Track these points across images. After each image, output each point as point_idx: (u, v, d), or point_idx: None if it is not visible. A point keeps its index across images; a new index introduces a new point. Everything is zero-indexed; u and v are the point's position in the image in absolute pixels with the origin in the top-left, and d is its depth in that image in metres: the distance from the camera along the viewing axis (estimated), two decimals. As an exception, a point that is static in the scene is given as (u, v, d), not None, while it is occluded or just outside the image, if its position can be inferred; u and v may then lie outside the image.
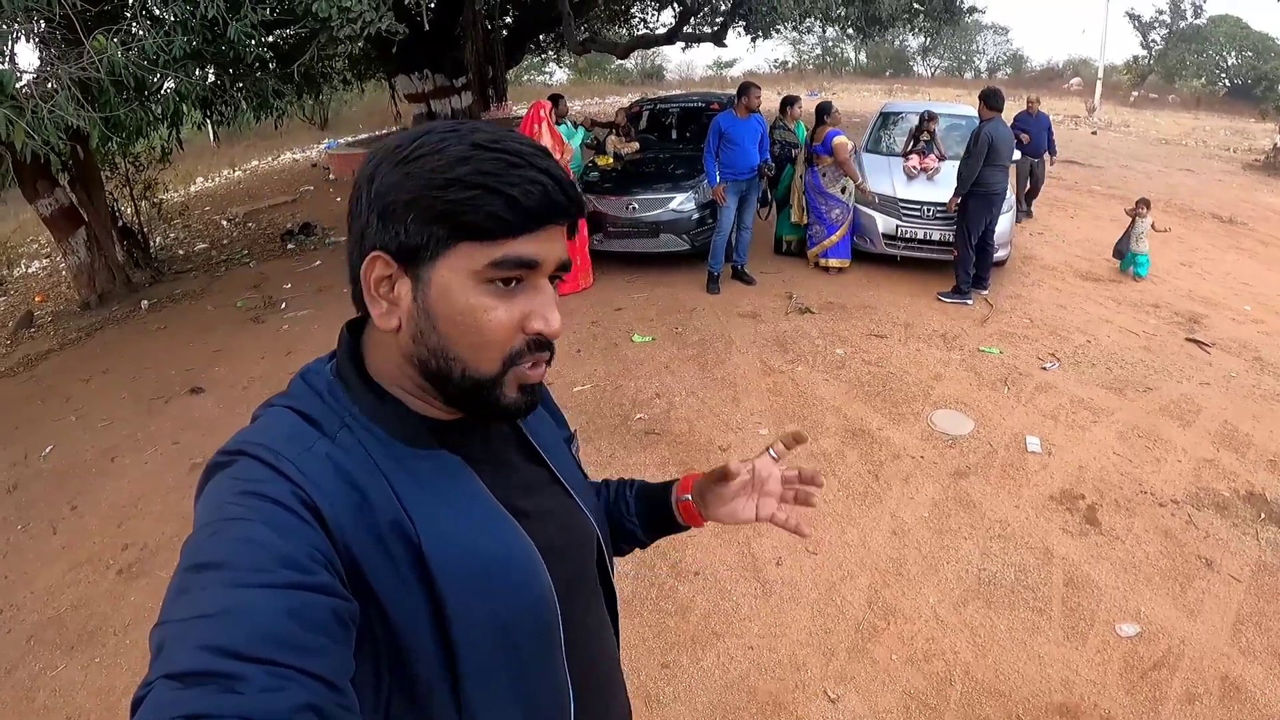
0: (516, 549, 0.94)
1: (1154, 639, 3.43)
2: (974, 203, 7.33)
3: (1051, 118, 11.31)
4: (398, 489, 0.87)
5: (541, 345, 0.92)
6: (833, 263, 8.25)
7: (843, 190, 8.01)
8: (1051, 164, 11.28)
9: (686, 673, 3.33)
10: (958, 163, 7.67)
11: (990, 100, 7.30)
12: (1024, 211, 10.58)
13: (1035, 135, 10.53)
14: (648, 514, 1.36)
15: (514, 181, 0.85)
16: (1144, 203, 8.06)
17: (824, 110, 7.95)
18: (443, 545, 0.86)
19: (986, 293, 7.65)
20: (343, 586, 0.77)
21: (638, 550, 1.41)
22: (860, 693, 3.19)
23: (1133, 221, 8.11)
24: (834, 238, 8.16)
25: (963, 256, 7.48)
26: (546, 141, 7.56)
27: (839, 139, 7.71)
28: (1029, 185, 10.87)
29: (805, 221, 8.46)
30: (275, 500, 0.78)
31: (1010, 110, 8.22)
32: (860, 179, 7.95)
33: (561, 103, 8.42)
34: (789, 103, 8.90)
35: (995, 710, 3.08)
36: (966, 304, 7.46)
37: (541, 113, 7.67)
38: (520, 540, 0.94)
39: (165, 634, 0.68)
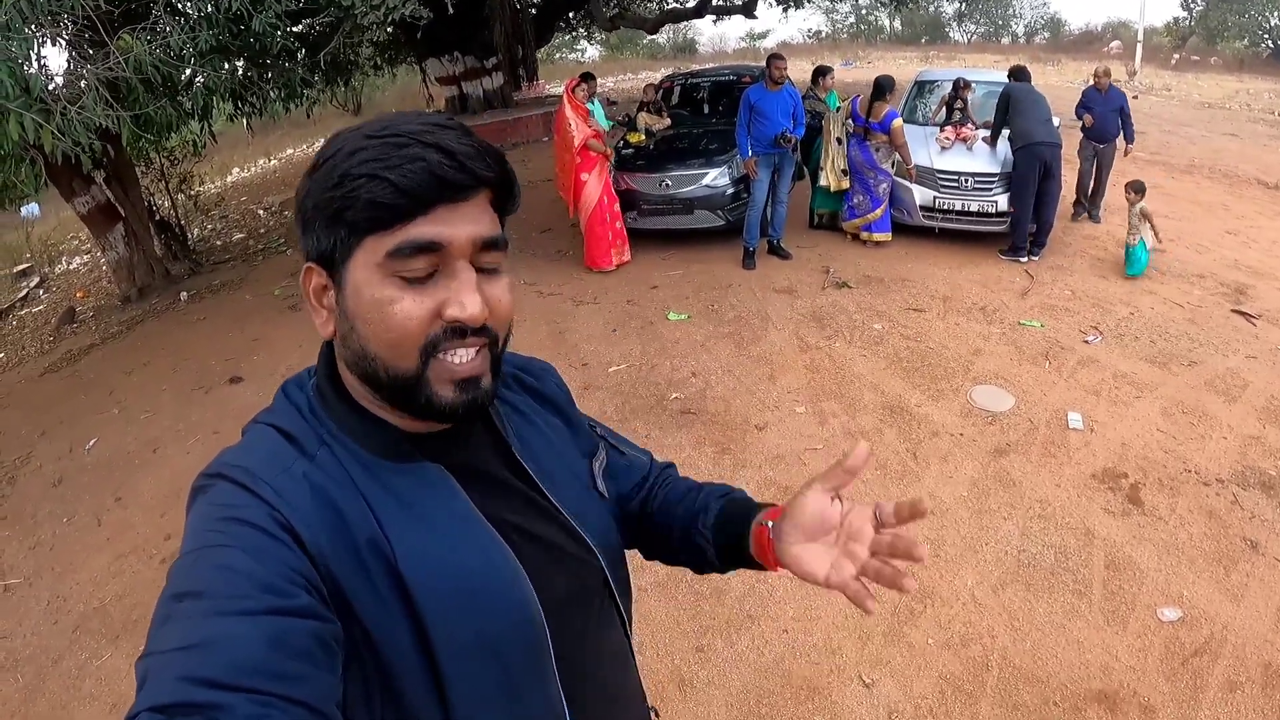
0: (498, 564, 0.91)
1: (1196, 624, 3.36)
2: (1017, 156, 7.49)
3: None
4: (375, 507, 0.86)
5: (462, 332, 0.86)
6: (877, 237, 8.15)
7: (891, 164, 7.98)
8: (1126, 153, 8.74)
9: (721, 656, 3.32)
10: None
11: (1014, 75, 8.07)
12: (1082, 208, 8.89)
13: (1100, 116, 8.43)
14: (723, 532, 1.15)
15: (395, 164, 0.81)
16: (1132, 187, 7.25)
17: (885, 87, 7.77)
18: (419, 563, 0.85)
19: (1038, 259, 7.60)
20: (325, 608, 0.77)
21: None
22: (896, 678, 3.16)
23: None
24: (879, 211, 8.07)
25: (1018, 213, 7.57)
26: (568, 117, 7.53)
27: (898, 121, 7.66)
28: (1092, 180, 8.77)
29: (846, 186, 8.28)
30: (253, 524, 0.78)
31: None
32: (911, 162, 7.88)
33: (592, 81, 8.36)
34: (821, 73, 8.77)
35: (1032, 696, 3.04)
36: (1021, 261, 7.54)
37: (568, 92, 7.65)
38: (502, 555, 0.92)
39: (148, 666, 0.68)
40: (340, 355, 0.91)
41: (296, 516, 0.80)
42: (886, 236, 8.18)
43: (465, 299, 0.84)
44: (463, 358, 0.87)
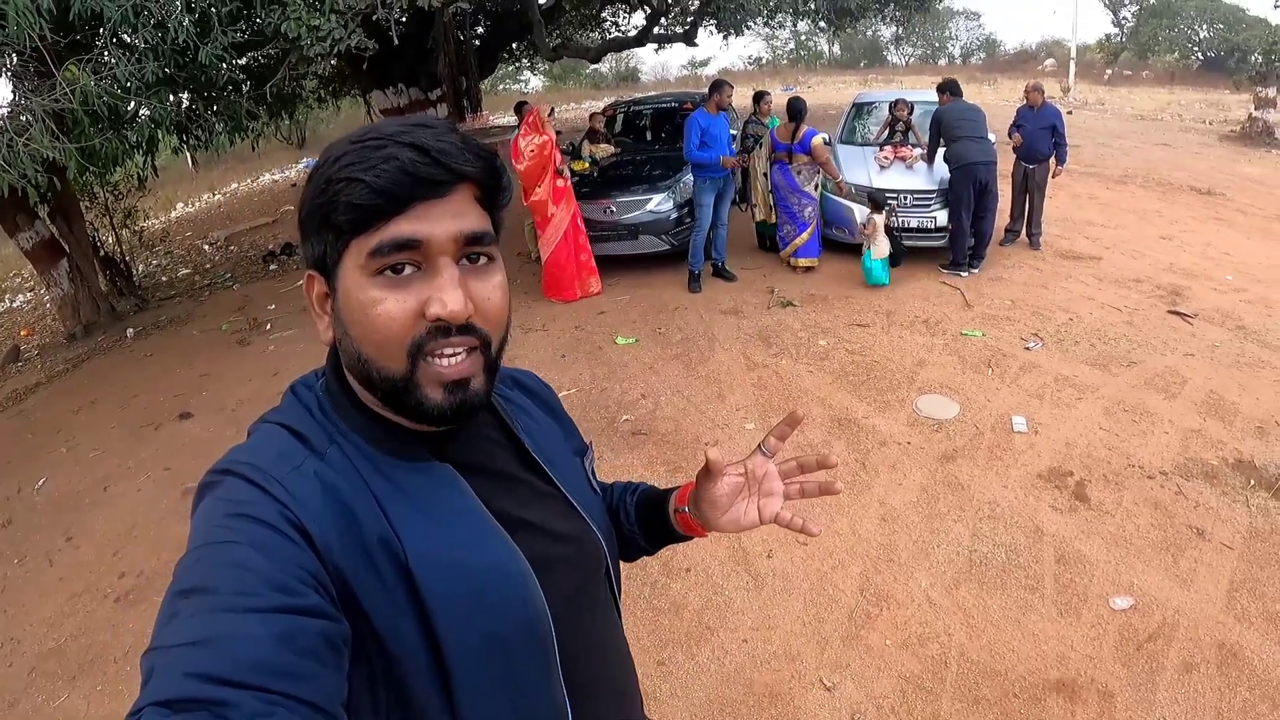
0: (507, 563, 0.92)
1: (1148, 611, 3.45)
2: (954, 176, 7.57)
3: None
4: (385, 506, 0.87)
5: (446, 330, 0.85)
6: (802, 262, 8.13)
7: (815, 187, 7.99)
8: (1056, 173, 8.40)
9: (682, 669, 3.34)
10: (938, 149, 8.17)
11: (945, 89, 8.03)
12: (1013, 232, 8.65)
13: (1030, 135, 8.19)
14: (647, 522, 1.29)
15: (371, 164, 0.82)
16: (872, 198, 7.61)
17: (800, 110, 7.81)
18: (429, 562, 0.86)
19: (978, 271, 7.75)
20: (333, 607, 0.77)
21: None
22: (856, 680, 3.21)
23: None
24: (805, 235, 8.06)
25: (955, 230, 7.67)
26: (532, 143, 7.55)
27: (818, 139, 7.68)
28: (1025, 202, 8.44)
29: (774, 220, 8.40)
30: (262, 521, 0.78)
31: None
32: (840, 176, 7.94)
33: (525, 108, 8.41)
34: (759, 98, 8.90)
35: (992, 690, 3.10)
36: (962, 276, 7.66)
37: (531, 118, 7.67)
38: (511, 554, 0.92)
39: (154, 661, 0.68)
40: (343, 360, 0.92)
41: (306, 514, 0.81)
42: (813, 261, 8.13)
43: (446, 295, 0.84)
44: (450, 360, 0.87)
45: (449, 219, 0.85)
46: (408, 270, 0.84)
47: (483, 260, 0.90)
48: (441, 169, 0.84)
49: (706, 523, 1.16)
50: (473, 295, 0.87)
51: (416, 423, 0.92)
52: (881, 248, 7.37)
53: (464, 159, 0.86)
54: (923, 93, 10.32)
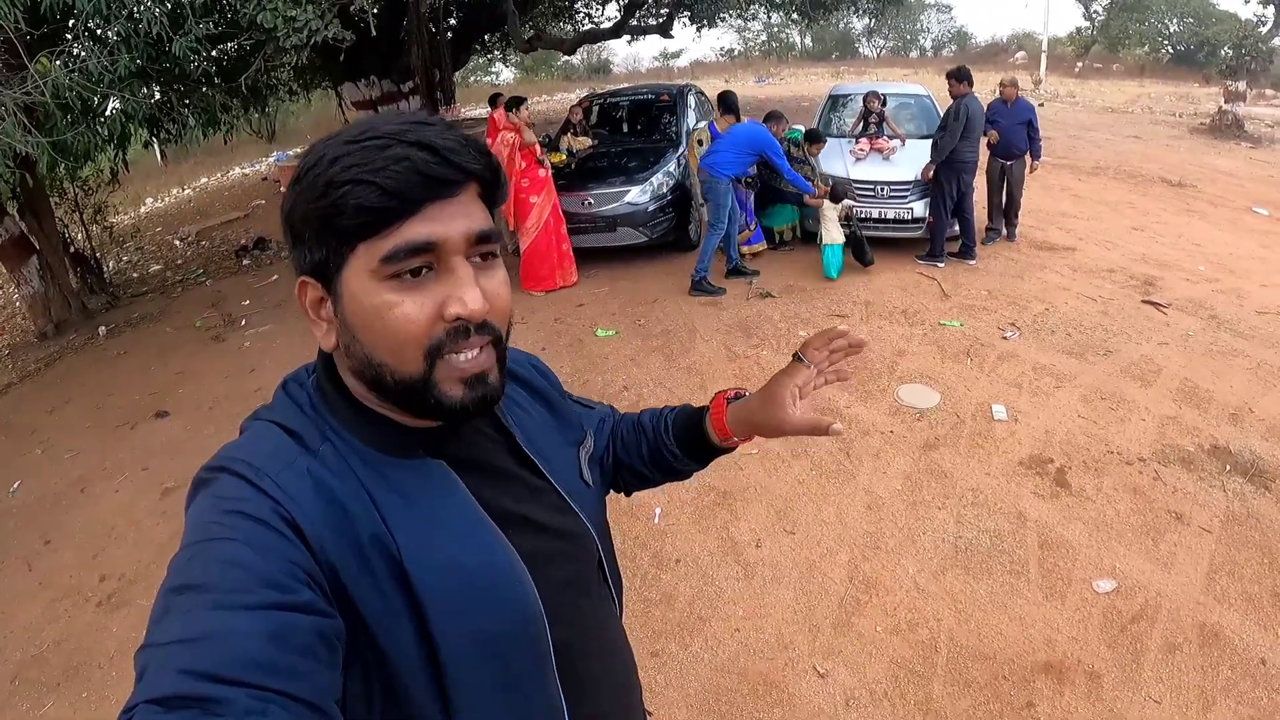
0: (500, 560, 0.92)
1: (1131, 593, 3.51)
2: (942, 171, 7.52)
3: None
4: (379, 503, 0.86)
5: (465, 330, 0.85)
6: (753, 249, 8.31)
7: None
8: (1033, 169, 8.44)
9: (676, 659, 3.35)
10: (917, 141, 8.27)
11: (962, 76, 7.54)
12: (994, 230, 8.52)
13: (1006, 130, 8.07)
14: (692, 449, 1.29)
15: (379, 166, 0.79)
16: (837, 186, 7.58)
17: (734, 104, 7.59)
18: (423, 559, 0.85)
19: (974, 264, 7.77)
20: (326, 603, 0.77)
21: (620, 540, 1.33)
22: (849, 666, 3.24)
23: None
24: (755, 223, 8.29)
25: (939, 224, 7.71)
26: (504, 139, 7.55)
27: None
28: (1004, 198, 8.41)
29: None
30: (256, 518, 0.78)
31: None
32: None
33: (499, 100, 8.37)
34: (812, 139, 8.45)
35: (981, 673, 3.14)
36: (938, 266, 7.70)
37: (499, 118, 7.67)
38: (504, 550, 0.92)
39: (148, 658, 0.68)
40: (342, 364, 0.91)
41: (300, 511, 0.80)
42: (761, 246, 8.42)
43: (466, 295, 0.83)
44: (468, 355, 0.86)
45: (461, 218, 0.84)
46: (421, 273, 0.84)
47: (489, 257, 0.90)
48: (453, 168, 0.83)
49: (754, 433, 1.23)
50: (485, 291, 0.86)
51: (436, 420, 0.91)
52: (833, 234, 7.46)
53: (470, 156, 0.85)
54: (896, 84, 10.39)
